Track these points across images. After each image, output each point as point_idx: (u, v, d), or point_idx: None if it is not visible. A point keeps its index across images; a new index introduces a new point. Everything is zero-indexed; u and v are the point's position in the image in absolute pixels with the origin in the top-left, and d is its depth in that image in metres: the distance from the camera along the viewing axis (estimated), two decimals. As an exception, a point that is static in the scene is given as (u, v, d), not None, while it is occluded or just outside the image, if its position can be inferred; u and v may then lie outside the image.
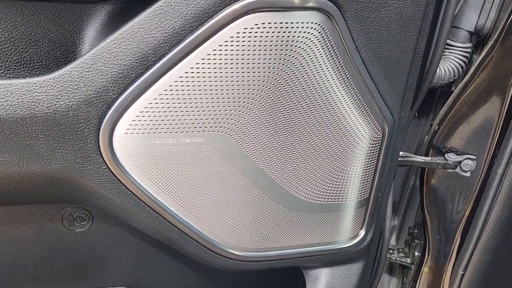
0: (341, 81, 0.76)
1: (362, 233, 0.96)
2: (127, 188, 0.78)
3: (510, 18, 0.94)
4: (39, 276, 1.04)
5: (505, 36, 0.96)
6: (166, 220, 0.83)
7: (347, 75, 0.76)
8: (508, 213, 1.01)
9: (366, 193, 0.91)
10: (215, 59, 0.69)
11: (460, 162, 1.07)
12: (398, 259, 1.34)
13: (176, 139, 0.75)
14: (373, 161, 0.88)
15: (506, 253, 1.09)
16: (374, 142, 0.85)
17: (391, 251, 1.35)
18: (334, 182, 0.86)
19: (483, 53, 1.01)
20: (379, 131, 0.84)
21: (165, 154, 0.76)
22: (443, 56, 1.07)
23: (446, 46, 1.06)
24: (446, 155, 1.08)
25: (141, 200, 0.79)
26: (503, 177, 0.97)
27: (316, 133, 0.81)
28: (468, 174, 1.07)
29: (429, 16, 0.81)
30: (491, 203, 1.02)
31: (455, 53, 1.07)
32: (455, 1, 0.89)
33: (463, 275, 1.12)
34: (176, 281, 1.17)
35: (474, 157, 1.06)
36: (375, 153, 0.87)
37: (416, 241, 1.33)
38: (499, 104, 0.98)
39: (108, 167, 0.75)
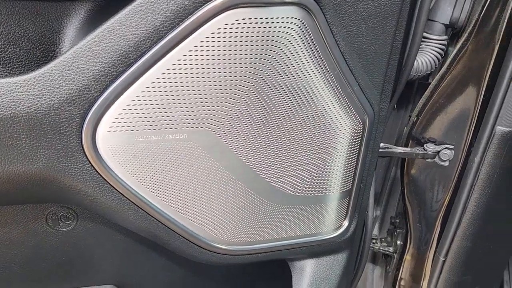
0: (321, 74, 0.78)
1: (346, 223, 0.98)
2: (112, 186, 0.78)
3: (484, 11, 0.97)
4: (25, 277, 1.03)
5: (479, 29, 0.98)
6: (151, 217, 0.83)
7: (327, 69, 0.78)
8: (486, 200, 1.04)
9: (349, 184, 0.93)
10: (196, 55, 0.70)
11: (438, 152, 1.10)
12: (381, 248, 1.37)
13: (159, 136, 0.76)
14: (354, 153, 0.89)
15: (485, 239, 1.12)
16: (355, 134, 0.87)
17: (374, 240, 1.38)
18: (317, 175, 0.88)
19: (458, 45, 1.04)
20: (359, 123, 0.86)
21: (149, 151, 0.76)
22: (420, 49, 1.09)
23: (423, 39, 1.08)
24: (425, 145, 1.11)
25: (126, 198, 0.80)
26: (480, 165, 1.00)
27: (299, 126, 0.82)
28: (446, 164, 1.10)
29: (406, 10, 0.83)
30: (469, 191, 1.05)
31: (432, 46, 1.10)
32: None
33: (444, 261, 1.16)
34: (162, 278, 1.18)
35: (452, 146, 1.09)
36: (356, 145, 0.89)
37: (398, 230, 1.36)
38: (475, 94, 1.01)
39: (91, 165, 0.75)
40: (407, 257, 1.29)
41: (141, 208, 0.81)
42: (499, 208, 1.07)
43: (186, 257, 0.92)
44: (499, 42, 0.94)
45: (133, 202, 0.80)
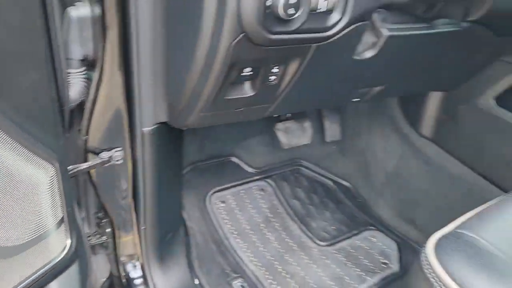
0: (8, 151, 0.94)
1: (69, 241, 1.20)
2: None
3: (103, 48, 1.29)
4: None
5: (103, 61, 1.30)
6: None
7: (8, 145, 0.94)
8: (157, 178, 1.46)
9: (60, 213, 1.14)
10: None
11: (111, 156, 1.42)
12: (98, 241, 1.64)
13: None
14: (57, 189, 1.11)
15: (167, 201, 1.56)
16: (52, 177, 1.07)
17: (89, 238, 1.63)
18: (35, 220, 1.05)
19: (98, 72, 1.34)
20: (52, 167, 1.06)
21: None
22: (71, 82, 1.34)
23: (69, 75, 1.33)
24: (99, 154, 1.41)
25: None
26: (143, 157, 1.39)
27: (5, 193, 0.96)
28: (121, 161, 1.44)
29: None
30: (143, 175, 1.44)
31: (76, 78, 1.36)
32: (57, 45, 1.13)
33: (145, 229, 1.55)
34: None
35: (120, 148, 1.43)
36: (57, 182, 1.09)
37: (103, 220, 1.65)
38: (123, 106, 1.36)
39: None
40: (122, 236, 1.62)
41: None
42: (167, 182, 1.52)
43: None
44: (120, 69, 1.29)
45: None
